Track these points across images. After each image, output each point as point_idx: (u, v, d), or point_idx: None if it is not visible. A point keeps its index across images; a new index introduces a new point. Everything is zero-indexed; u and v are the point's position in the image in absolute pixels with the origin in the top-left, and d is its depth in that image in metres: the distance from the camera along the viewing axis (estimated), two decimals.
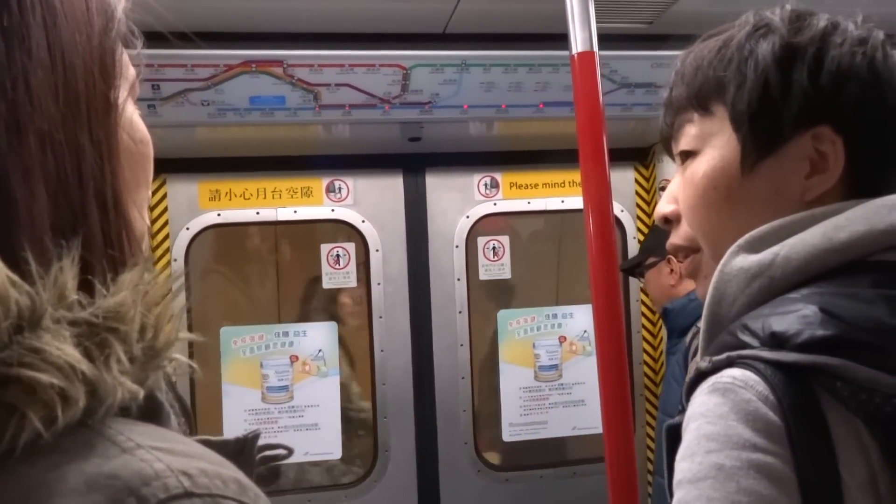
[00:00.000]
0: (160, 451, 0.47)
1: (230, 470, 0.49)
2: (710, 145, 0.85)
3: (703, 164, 0.86)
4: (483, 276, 3.09)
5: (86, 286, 0.49)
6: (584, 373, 3.09)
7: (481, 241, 3.09)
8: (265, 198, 2.92)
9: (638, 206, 3.19)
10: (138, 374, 0.49)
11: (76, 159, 0.53)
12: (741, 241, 0.79)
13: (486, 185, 3.07)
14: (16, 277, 0.45)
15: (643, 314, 3.17)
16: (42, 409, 0.44)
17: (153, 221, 2.81)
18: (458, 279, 3.02)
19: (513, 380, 3.07)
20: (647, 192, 3.18)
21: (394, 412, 2.95)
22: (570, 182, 3.11)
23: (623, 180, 3.15)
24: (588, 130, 1.23)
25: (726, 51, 0.85)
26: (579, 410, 3.09)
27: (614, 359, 1.22)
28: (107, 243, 0.55)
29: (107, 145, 0.56)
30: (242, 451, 0.61)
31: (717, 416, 0.67)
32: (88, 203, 0.54)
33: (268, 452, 0.70)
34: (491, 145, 3.03)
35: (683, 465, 0.68)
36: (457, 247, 3.02)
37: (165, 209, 2.83)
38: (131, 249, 0.57)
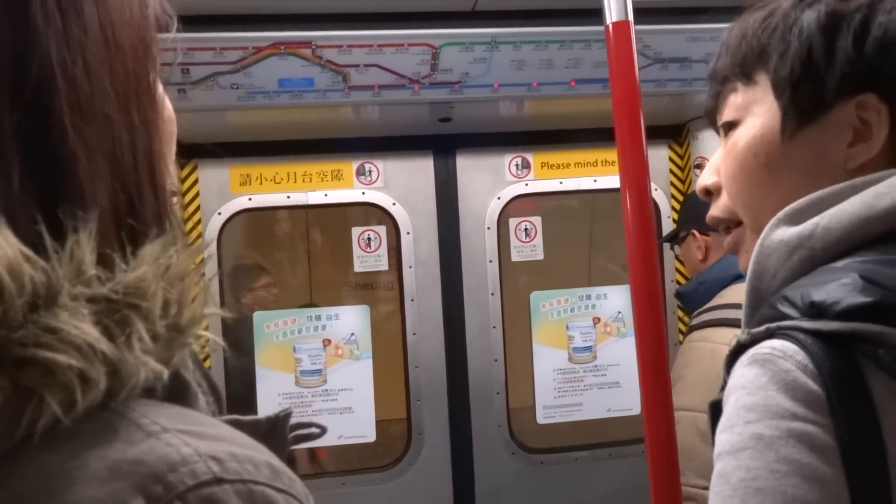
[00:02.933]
0: (188, 435, 0.45)
1: (262, 453, 0.47)
2: (751, 113, 0.84)
3: (744, 133, 0.85)
4: (515, 257, 3.05)
5: (106, 261, 0.47)
6: (619, 354, 3.06)
7: (513, 222, 3.05)
8: (296, 181, 2.91)
9: (672, 184, 3.13)
10: (162, 352, 0.47)
11: (131, 139, 0.52)
12: (780, 214, 0.78)
13: (517, 165, 3.03)
14: (30, 252, 0.43)
15: None
16: (61, 391, 0.42)
17: (185, 206, 2.82)
18: (490, 261, 2.99)
19: (546, 362, 3.04)
20: (682, 170, 3.12)
21: (427, 395, 2.94)
22: (602, 161, 3.06)
23: (657, 158, 3.09)
24: (624, 104, 1.19)
25: (772, 19, 0.83)
26: (614, 392, 3.05)
27: (653, 341, 1.18)
28: (156, 220, 0.54)
29: (153, 124, 0.55)
30: (274, 431, 0.59)
31: (757, 387, 0.66)
32: (143, 183, 0.53)
33: (300, 431, 0.67)
34: (521, 125, 2.98)
35: (723, 436, 0.67)
36: (488, 228, 3.00)
37: (197, 194, 2.84)
38: (170, 225, 0.56)
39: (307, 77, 2.29)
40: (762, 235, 0.78)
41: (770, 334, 0.69)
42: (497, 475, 2.97)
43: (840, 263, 0.71)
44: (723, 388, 0.74)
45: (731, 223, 0.92)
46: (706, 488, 1.99)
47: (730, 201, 0.89)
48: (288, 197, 2.91)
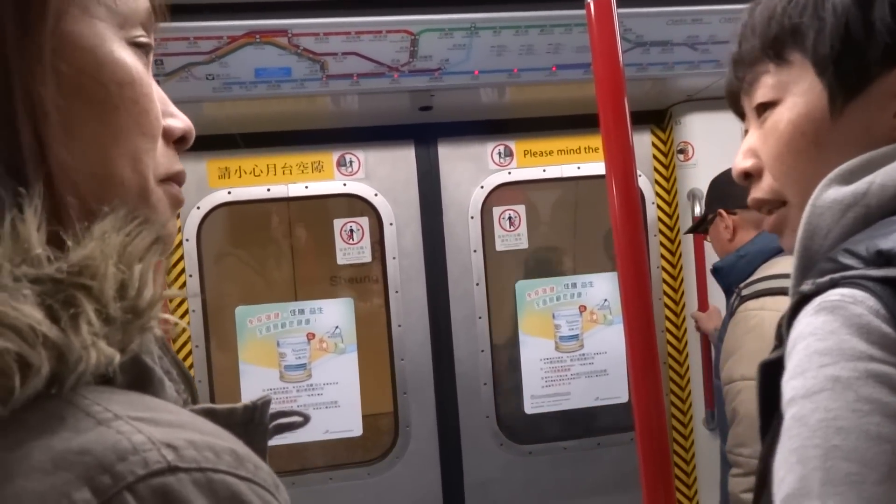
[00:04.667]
0: (142, 422, 0.41)
1: (225, 440, 0.44)
2: (791, 93, 0.85)
3: (786, 112, 0.86)
4: (500, 246, 3.03)
5: (57, 240, 0.44)
6: (606, 342, 3.04)
7: (497, 211, 3.02)
8: (275, 174, 2.87)
9: (656, 170, 3.11)
10: (119, 336, 0.43)
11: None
12: (832, 174, 0.78)
13: (499, 153, 3.00)
14: None
15: (664, 281, 3.10)
16: None
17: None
18: (475, 251, 2.96)
19: (533, 351, 3.02)
20: (665, 155, 3.10)
21: (413, 388, 2.92)
22: (585, 148, 3.04)
23: (640, 144, 3.06)
24: (607, 84, 1.16)
25: None
26: (602, 380, 3.04)
27: (642, 328, 1.16)
28: (111, 198, 0.50)
29: (22, 99, 0.48)
30: (252, 419, 0.55)
31: (828, 332, 0.66)
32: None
33: (282, 421, 0.64)
34: (503, 113, 2.95)
35: (795, 382, 0.67)
36: (472, 218, 2.97)
37: None
38: (108, 202, 0.50)
39: (284, 66, 2.25)
40: (813, 196, 0.79)
41: (834, 284, 0.69)
42: (486, 467, 2.95)
43: None
44: (776, 347, 0.74)
45: (775, 204, 0.92)
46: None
47: (776, 182, 0.89)
48: (268, 189, 2.87)
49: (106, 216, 0.47)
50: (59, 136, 0.49)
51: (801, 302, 0.71)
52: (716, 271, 2.42)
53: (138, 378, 0.48)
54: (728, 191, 2.39)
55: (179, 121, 0.63)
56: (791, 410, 0.66)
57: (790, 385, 0.67)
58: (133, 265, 0.46)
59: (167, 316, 0.49)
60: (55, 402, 0.41)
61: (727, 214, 2.38)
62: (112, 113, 0.54)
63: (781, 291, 2.09)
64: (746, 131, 0.96)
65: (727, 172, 2.61)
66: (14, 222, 0.42)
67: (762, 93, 0.88)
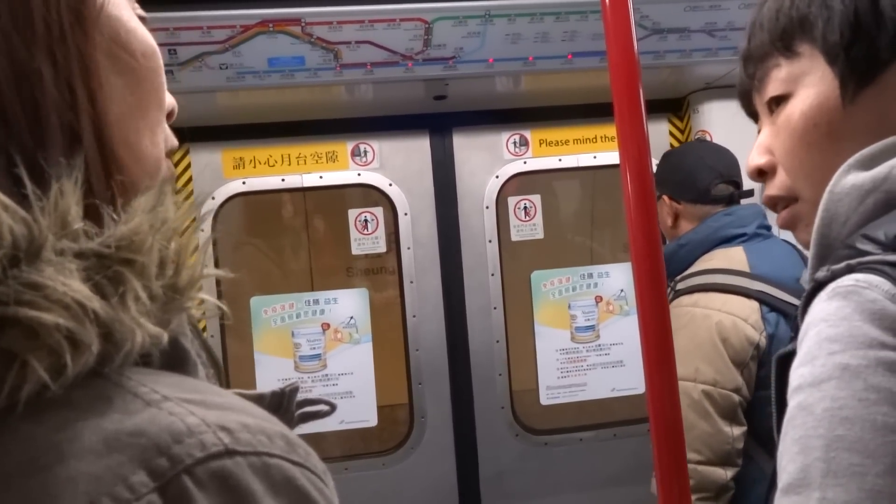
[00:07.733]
0: (192, 404, 0.40)
1: (275, 424, 0.43)
2: (802, 85, 0.84)
3: (798, 105, 0.84)
4: (515, 236, 3.01)
5: (90, 214, 0.42)
6: (622, 333, 3.02)
7: (512, 200, 3.00)
8: (290, 164, 2.86)
9: None
10: (160, 315, 0.42)
11: (29, 88, 0.44)
12: (851, 160, 0.76)
13: (514, 143, 2.97)
14: (9, 201, 0.38)
15: None
16: (47, 355, 0.37)
17: (177, 191, 2.77)
18: (490, 241, 2.95)
19: (549, 342, 3.00)
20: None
21: (428, 378, 2.91)
22: (602, 137, 3.01)
23: (656, 133, 3.03)
24: (622, 73, 1.14)
25: None
26: (618, 371, 3.02)
27: (656, 319, 1.14)
28: (148, 173, 0.50)
29: (78, 64, 0.47)
30: (280, 407, 0.55)
31: (840, 318, 0.64)
32: (51, 135, 0.45)
33: (308, 409, 0.63)
34: (519, 101, 2.93)
35: (803, 370, 0.65)
36: (487, 208, 2.95)
37: (190, 179, 2.79)
38: (139, 178, 0.51)
39: (297, 55, 2.23)
40: (832, 182, 0.76)
41: (850, 269, 0.68)
42: (501, 457, 2.95)
43: None
44: (793, 337, 0.72)
45: (789, 200, 0.91)
46: (700, 463, 1.92)
47: (789, 177, 0.88)
48: (283, 180, 2.86)
49: (146, 190, 0.45)
50: (107, 105, 0.48)
51: (815, 289, 0.70)
52: None
53: (174, 359, 0.47)
54: (673, 178, 2.33)
55: (169, 95, 0.63)
56: (797, 398, 0.65)
57: (798, 373, 0.66)
58: (172, 240, 0.44)
59: (205, 296, 0.47)
60: (99, 382, 0.40)
61: (670, 201, 2.32)
62: (138, 84, 0.53)
63: (716, 288, 2.04)
64: (759, 131, 0.94)
65: (674, 155, 2.49)
66: (56, 194, 0.41)
67: (773, 87, 0.87)
